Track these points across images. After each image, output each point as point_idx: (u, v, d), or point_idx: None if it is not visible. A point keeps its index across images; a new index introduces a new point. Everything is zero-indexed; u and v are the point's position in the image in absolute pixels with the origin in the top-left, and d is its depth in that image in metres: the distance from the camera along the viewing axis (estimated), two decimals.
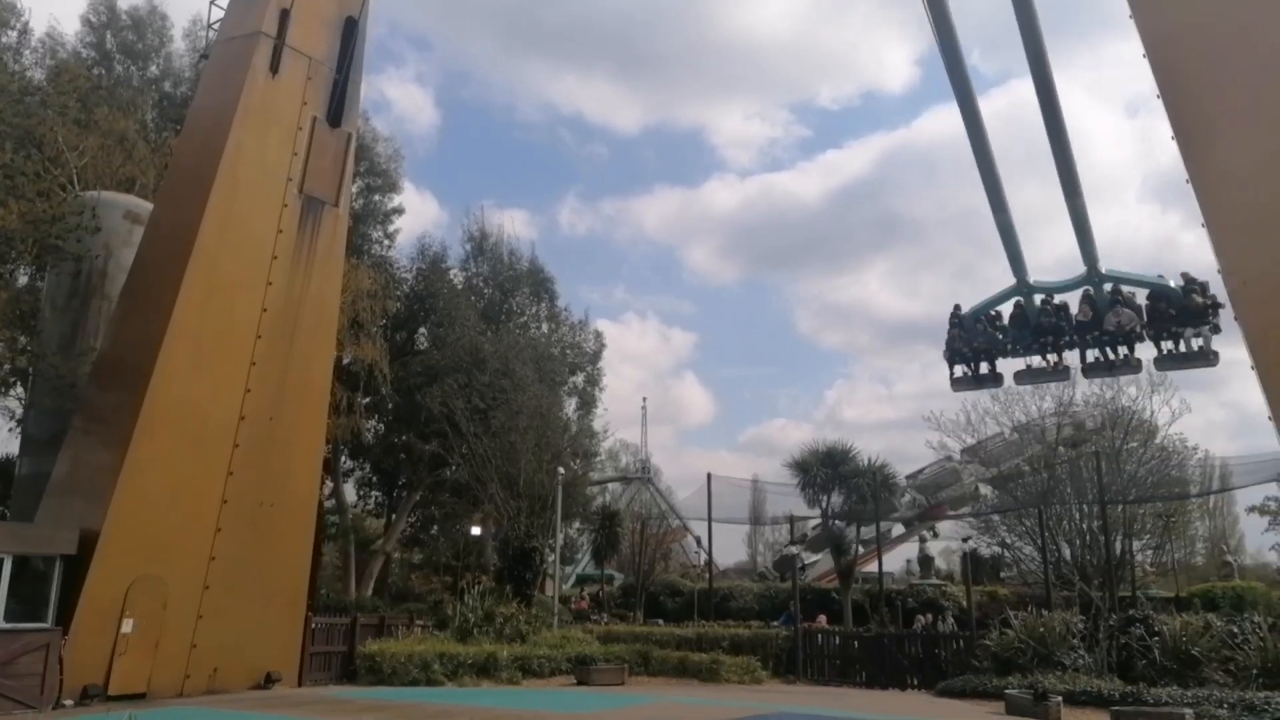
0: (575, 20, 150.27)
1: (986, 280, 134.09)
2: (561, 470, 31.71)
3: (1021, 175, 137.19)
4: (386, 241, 39.18)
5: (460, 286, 40.85)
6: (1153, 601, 27.90)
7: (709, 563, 40.64)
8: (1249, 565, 48.24)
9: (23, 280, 24.39)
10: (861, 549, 36.13)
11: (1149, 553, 29.83)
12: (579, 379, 44.81)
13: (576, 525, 43.09)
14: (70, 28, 33.63)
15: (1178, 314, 18.54)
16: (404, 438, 35.63)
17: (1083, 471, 25.69)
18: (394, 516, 39.81)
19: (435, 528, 41.90)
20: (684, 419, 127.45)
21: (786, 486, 36.44)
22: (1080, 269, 19.75)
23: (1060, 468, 26.91)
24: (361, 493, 41.16)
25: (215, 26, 21.54)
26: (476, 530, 36.53)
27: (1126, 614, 21.40)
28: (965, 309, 21.11)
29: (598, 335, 46.08)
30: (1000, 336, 20.59)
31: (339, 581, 37.65)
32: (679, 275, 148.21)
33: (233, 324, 18.71)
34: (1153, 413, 26.85)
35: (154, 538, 16.97)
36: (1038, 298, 20.26)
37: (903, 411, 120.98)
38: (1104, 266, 19.62)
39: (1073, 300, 20.28)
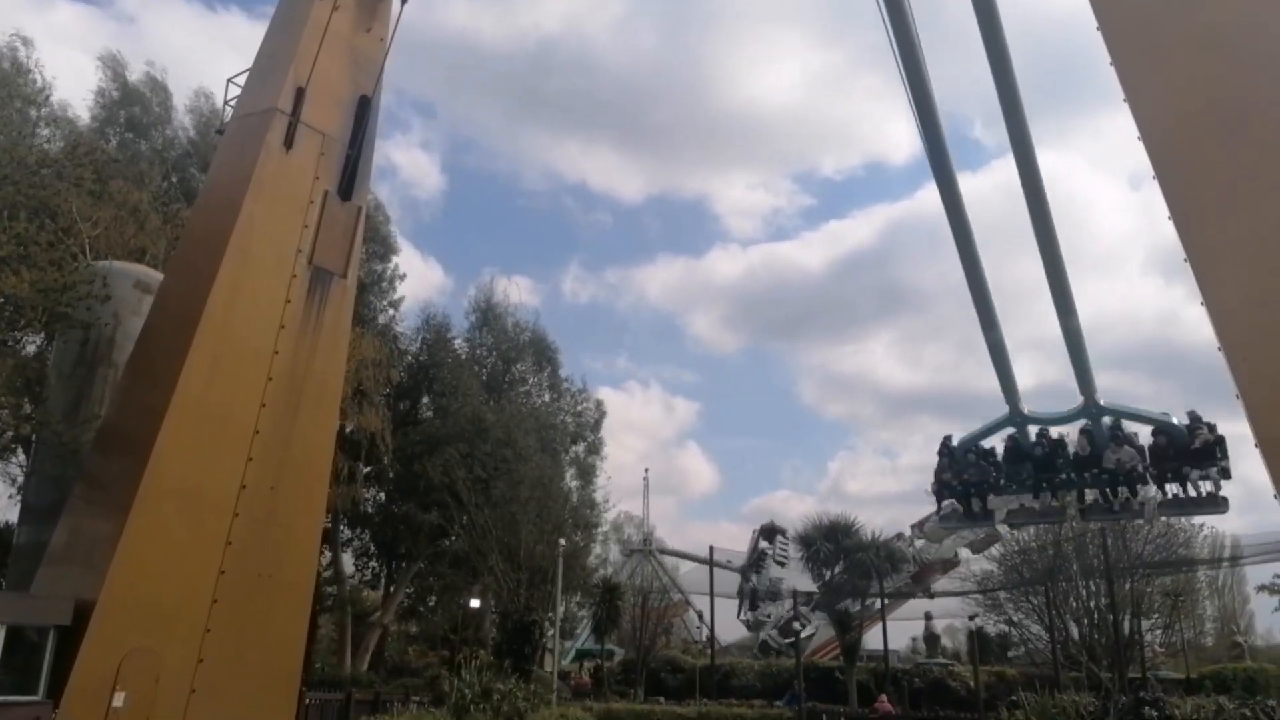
0: (576, 90, 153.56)
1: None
2: (563, 542, 31.42)
3: (1027, 246, 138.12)
4: (391, 310, 39.54)
5: (464, 356, 41.06)
6: (1163, 683, 27.35)
7: (711, 638, 39.98)
8: (1260, 646, 47.38)
9: (30, 348, 24.54)
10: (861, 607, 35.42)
11: (1158, 633, 29.34)
12: (580, 449, 44.70)
13: (577, 598, 42.50)
14: (75, 94, 34.56)
15: (1182, 453, 17.44)
16: (404, 507, 35.40)
17: (1089, 548, 25.46)
18: (392, 588, 39.34)
19: (433, 599, 41.36)
20: (687, 489, 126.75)
21: (790, 560, 36.02)
22: (1077, 401, 18.95)
23: (1067, 544, 26.66)
24: (359, 563, 40.74)
25: (231, 103, 22.09)
26: (475, 602, 36.07)
27: (1137, 696, 20.97)
28: (956, 440, 20.11)
29: (599, 404, 46.11)
30: (993, 471, 19.40)
31: (334, 655, 37.03)
32: (682, 344, 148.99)
33: (237, 393, 18.74)
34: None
35: (150, 609, 16.73)
36: (1033, 429, 19.24)
37: (906, 484, 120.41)
38: (1103, 399, 18.86)
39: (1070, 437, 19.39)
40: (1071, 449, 18.95)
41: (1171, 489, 17.67)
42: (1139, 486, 18.03)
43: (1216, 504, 17.43)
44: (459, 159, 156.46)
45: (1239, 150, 14.26)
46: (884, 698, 29.82)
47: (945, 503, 19.86)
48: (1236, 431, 17.34)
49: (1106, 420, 18.68)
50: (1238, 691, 25.92)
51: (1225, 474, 17.27)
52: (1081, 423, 18.92)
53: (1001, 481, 19.31)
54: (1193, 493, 17.45)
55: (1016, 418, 19.50)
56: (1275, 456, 13.20)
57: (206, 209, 20.70)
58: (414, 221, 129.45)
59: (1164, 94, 15.60)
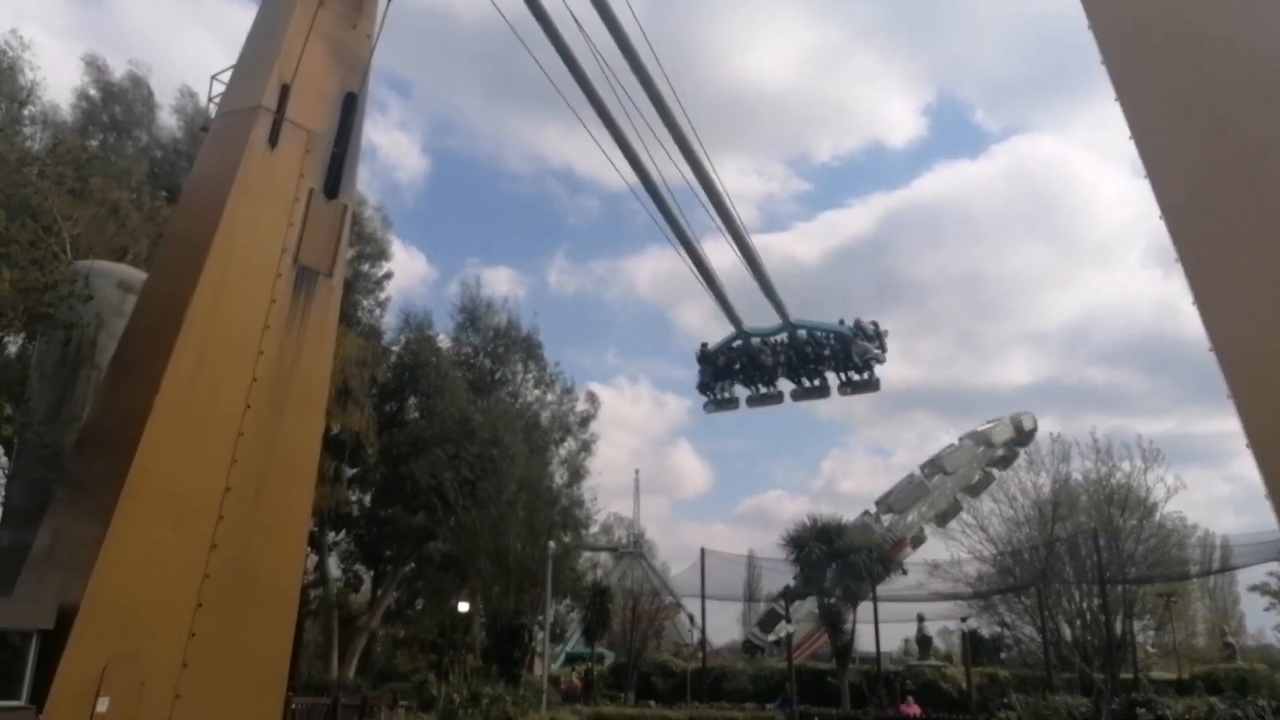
0: (556, 68, 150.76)
1: (989, 344, 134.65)
2: (552, 544, 31.24)
3: (1028, 236, 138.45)
4: (377, 310, 39.30)
5: (449, 355, 40.85)
6: (1155, 684, 27.35)
7: (703, 642, 39.81)
8: (1251, 646, 47.59)
9: (11, 349, 24.24)
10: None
11: (1150, 634, 29.35)
12: (572, 445, 44.59)
13: (566, 601, 42.32)
14: (61, 94, 34.12)
15: (848, 354, 24.38)
16: (390, 509, 35.14)
17: (1081, 549, 25.43)
18: (379, 591, 39.07)
19: (421, 603, 41.10)
20: (679, 489, 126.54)
21: (782, 563, 35.91)
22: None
23: (1058, 544, 26.65)
24: (345, 566, 40.42)
25: (216, 100, 21.84)
26: (464, 606, 35.79)
27: (1129, 697, 20.92)
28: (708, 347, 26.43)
29: (592, 396, 46.09)
30: (737, 369, 25.72)
31: (321, 660, 36.70)
32: (671, 338, 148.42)
33: (222, 394, 18.48)
34: (1149, 489, 26.68)
35: (134, 613, 16.47)
36: (756, 340, 25.53)
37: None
38: (795, 317, 25.37)
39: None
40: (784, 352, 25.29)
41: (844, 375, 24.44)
42: (826, 374, 24.88)
43: (873, 385, 24.54)
44: (439, 141, 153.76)
45: (1229, 150, 14.23)
46: (910, 699, 29.69)
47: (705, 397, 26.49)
48: (1228, 429, 17.65)
49: (802, 332, 25.03)
50: (1229, 692, 25.85)
51: (878, 360, 24.45)
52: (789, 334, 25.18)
53: (742, 378, 25.72)
54: (856, 378, 24.50)
55: (741, 334, 25.67)
56: (1266, 457, 13.16)
57: (190, 207, 20.44)
58: (395, 206, 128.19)
59: (1154, 94, 15.57)
